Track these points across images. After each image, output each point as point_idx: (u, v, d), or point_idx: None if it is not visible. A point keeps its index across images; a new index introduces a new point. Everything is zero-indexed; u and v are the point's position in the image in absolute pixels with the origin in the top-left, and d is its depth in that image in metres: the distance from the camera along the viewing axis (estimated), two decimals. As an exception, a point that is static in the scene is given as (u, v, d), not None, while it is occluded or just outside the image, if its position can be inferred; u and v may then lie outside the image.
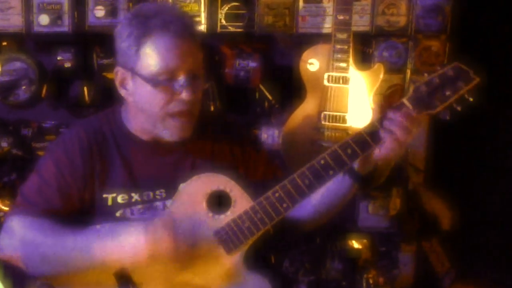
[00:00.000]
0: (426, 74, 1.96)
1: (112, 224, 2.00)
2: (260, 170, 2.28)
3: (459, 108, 1.92)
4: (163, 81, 2.01)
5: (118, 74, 2.11)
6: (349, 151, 1.95)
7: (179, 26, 2.01)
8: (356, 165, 2.03)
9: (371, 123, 1.97)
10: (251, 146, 2.30)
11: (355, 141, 1.96)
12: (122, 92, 2.12)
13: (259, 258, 2.11)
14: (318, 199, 2.15)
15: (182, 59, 2.00)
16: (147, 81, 2.01)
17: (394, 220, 3.45)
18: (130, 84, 2.09)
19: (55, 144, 2.21)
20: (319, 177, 1.97)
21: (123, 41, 2.05)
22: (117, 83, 2.12)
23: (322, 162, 1.97)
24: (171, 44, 2.00)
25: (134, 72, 2.04)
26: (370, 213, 3.44)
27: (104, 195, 2.12)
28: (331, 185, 2.06)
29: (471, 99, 1.92)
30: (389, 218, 3.44)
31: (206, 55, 2.15)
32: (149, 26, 2.01)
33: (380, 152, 1.95)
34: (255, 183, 2.17)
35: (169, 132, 2.07)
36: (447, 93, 1.92)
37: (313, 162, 1.98)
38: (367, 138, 1.95)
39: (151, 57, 2.01)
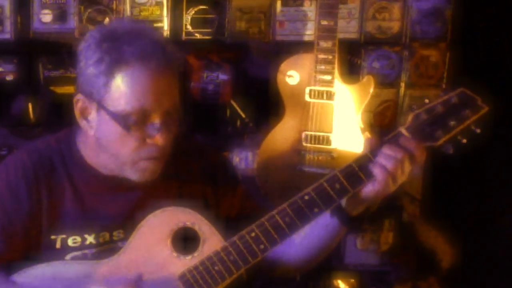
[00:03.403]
0: (427, 100, 1.87)
1: None
2: (235, 206, 2.19)
3: (464, 141, 1.85)
4: (135, 123, 1.89)
5: (79, 104, 1.96)
6: (337, 186, 1.87)
7: (160, 58, 1.87)
8: (344, 203, 1.94)
9: (363, 155, 1.87)
10: (227, 178, 2.21)
11: (344, 175, 1.87)
12: (82, 123, 1.98)
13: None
14: (300, 242, 2.07)
15: (160, 99, 1.89)
16: (117, 120, 1.89)
17: (386, 257, 3.37)
18: (93, 116, 1.96)
19: None
20: (301, 215, 1.88)
21: (89, 67, 1.90)
22: (76, 112, 1.98)
23: (306, 198, 1.88)
24: (149, 81, 1.87)
25: (100, 106, 1.91)
26: (359, 249, 3.35)
27: (52, 237, 2.00)
28: (314, 227, 1.99)
29: (478, 131, 1.84)
30: (380, 254, 3.36)
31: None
32: (124, 55, 1.87)
33: (371, 188, 1.86)
34: (229, 221, 2.10)
35: (138, 174, 1.97)
36: (451, 122, 1.84)
37: (295, 197, 1.89)
38: (359, 173, 1.86)
39: (124, 93, 1.88)
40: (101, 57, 1.88)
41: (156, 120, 1.89)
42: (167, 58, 1.89)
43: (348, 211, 1.95)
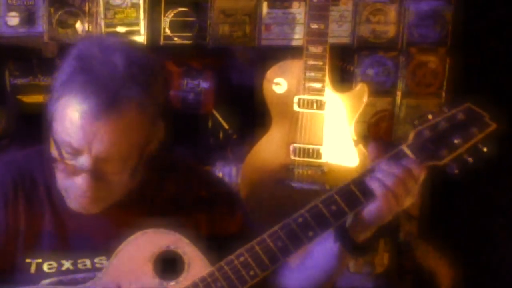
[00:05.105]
0: (430, 116, 1.83)
1: None
2: (234, 225, 2.09)
3: (470, 160, 1.80)
4: (65, 153, 1.81)
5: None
6: (333, 207, 1.80)
7: (103, 100, 1.74)
8: (348, 222, 1.85)
9: (362, 174, 1.83)
10: (221, 201, 2.11)
11: (341, 196, 1.81)
12: None
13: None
14: (300, 272, 1.99)
15: (91, 143, 1.78)
16: (54, 143, 1.83)
17: (381, 280, 3.37)
18: None
19: None
20: (295, 239, 1.83)
21: (55, 76, 1.85)
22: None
23: (300, 220, 1.82)
24: (80, 119, 1.75)
25: (51, 120, 1.85)
26: (352, 271, 3.32)
27: (27, 260, 1.93)
28: (315, 255, 1.93)
29: (485, 149, 1.80)
30: (375, 277, 3.36)
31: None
32: (70, 82, 1.79)
33: (372, 208, 1.80)
34: (227, 241, 2.00)
35: (73, 204, 1.90)
36: (456, 141, 1.80)
37: (288, 220, 1.84)
38: (357, 193, 1.80)
39: (60, 119, 1.80)
40: (61, 73, 1.81)
41: (83, 162, 1.80)
42: (116, 102, 1.75)
43: (352, 236, 1.87)
